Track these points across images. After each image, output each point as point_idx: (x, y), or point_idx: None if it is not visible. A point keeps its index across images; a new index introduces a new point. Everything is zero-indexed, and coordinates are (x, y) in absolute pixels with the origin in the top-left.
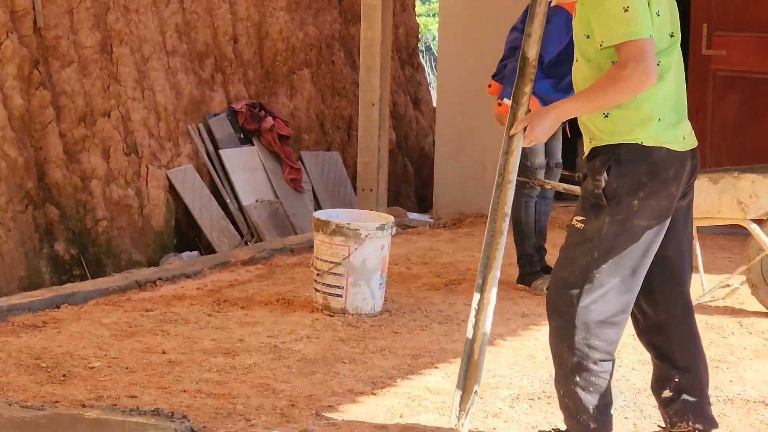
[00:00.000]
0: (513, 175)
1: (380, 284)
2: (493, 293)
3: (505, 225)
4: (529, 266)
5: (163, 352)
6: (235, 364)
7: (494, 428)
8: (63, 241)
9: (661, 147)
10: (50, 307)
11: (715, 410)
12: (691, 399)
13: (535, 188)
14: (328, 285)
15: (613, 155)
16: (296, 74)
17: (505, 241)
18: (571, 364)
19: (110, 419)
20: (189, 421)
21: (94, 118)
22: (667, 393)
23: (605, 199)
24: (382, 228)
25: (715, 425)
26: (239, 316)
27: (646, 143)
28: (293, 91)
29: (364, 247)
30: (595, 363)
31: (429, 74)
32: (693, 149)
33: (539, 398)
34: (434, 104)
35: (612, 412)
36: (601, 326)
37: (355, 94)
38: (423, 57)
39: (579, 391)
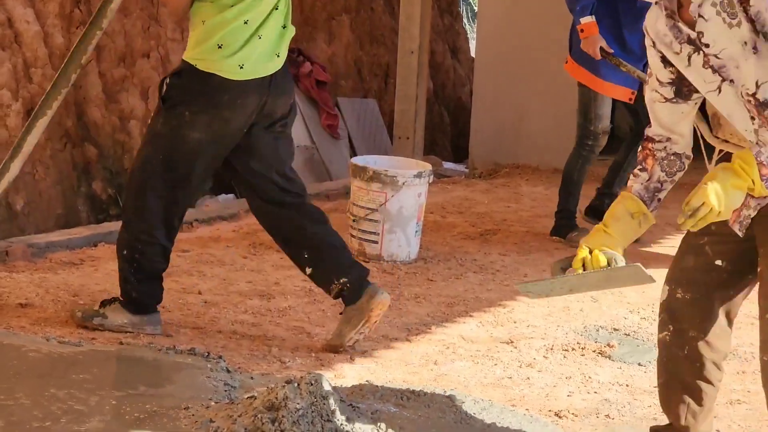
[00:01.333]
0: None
1: (416, 232)
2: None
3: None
4: (567, 220)
5: (199, 293)
6: (270, 307)
7: (528, 378)
8: (100, 181)
9: (214, 74)
10: (88, 245)
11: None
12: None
13: (594, 152)
14: (364, 231)
15: (181, 67)
16: (335, 20)
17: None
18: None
19: (146, 357)
20: (224, 361)
21: (134, 58)
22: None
23: (163, 102)
24: (419, 176)
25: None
26: (275, 260)
27: (199, 66)
28: (332, 36)
29: (401, 194)
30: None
31: (466, 24)
32: (263, 79)
33: (573, 349)
34: (472, 54)
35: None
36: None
37: (393, 41)
38: (461, 6)
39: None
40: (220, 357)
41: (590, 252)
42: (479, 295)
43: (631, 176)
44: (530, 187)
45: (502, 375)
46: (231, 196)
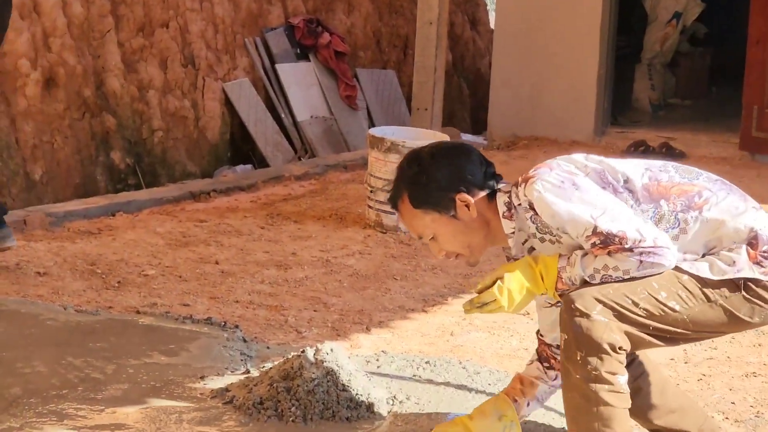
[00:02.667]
0: None
1: None
2: None
3: None
4: None
5: (216, 263)
6: (287, 277)
7: (526, 349)
8: (119, 150)
9: None
10: (105, 215)
11: None
12: None
13: None
14: (382, 202)
15: None
16: None
17: None
18: None
19: (163, 326)
20: (241, 330)
21: (153, 28)
22: None
23: None
24: None
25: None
26: (292, 230)
27: None
28: (351, 7)
29: None
30: None
31: None
32: None
33: None
34: (492, 26)
35: None
36: None
37: (412, 12)
38: None
39: None
40: (237, 326)
41: None
42: (496, 266)
43: (536, 369)
44: (548, 158)
45: (518, 346)
46: (249, 166)
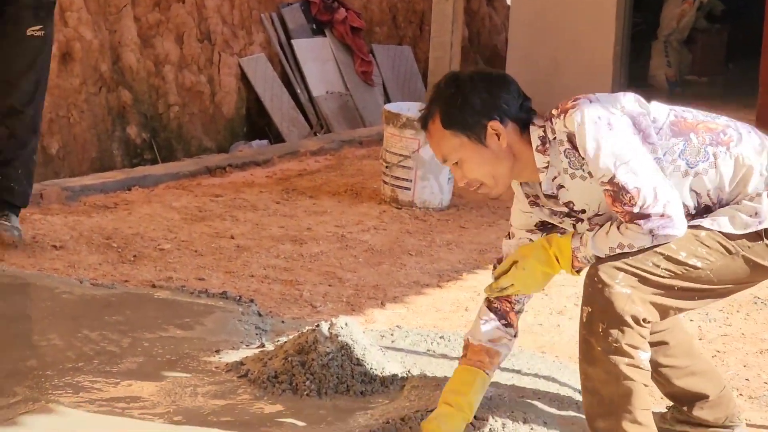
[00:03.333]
0: None
1: (449, 179)
2: None
3: None
4: None
5: (232, 237)
6: (302, 252)
7: (558, 325)
8: (135, 125)
9: None
10: (121, 189)
11: None
12: None
13: None
14: (397, 178)
15: None
16: None
17: None
18: None
19: (179, 300)
20: (256, 305)
21: (169, 3)
22: None
23: None
24: None
25: None
26: (307, 205)
27: None
28: None
29: None
30: None
31: None
32: None
33: None
34: (508, 2)
35: None
36: None
37: None
38: None
39: None
40: (252, 301)
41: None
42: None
43: (498, 330)
44: None
45: (532, 322)
46: (265, 141)
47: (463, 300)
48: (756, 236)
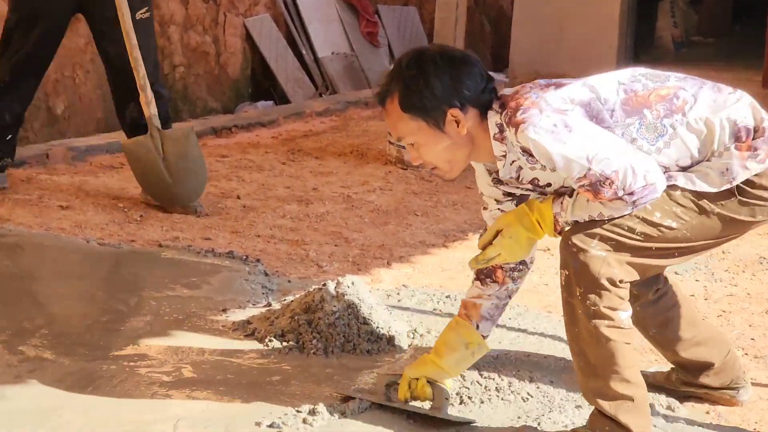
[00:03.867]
0: None
1: None
2: None
3: None
4: None
5: (238, 198)
6: (308, 212)
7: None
8: None
9: None
10: None
11: None
12: None
13: None
14: None
15: None
16: None
17: None
18: None
19: (185, 260)
20: (262, 264)
21: None
22: None
23: None
24: None
25: None
26: (313, 166)
27: None
28: None
29: None
30: None
31: None
32: None
33: None
34: None
35: None
36: None
37: None
38: None
39: None
40: (258, 260)
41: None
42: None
43: (476, 288)
44: None
45: (538, 282)
46: (270, 102)
47: (468, 259)
48: (729, 193)
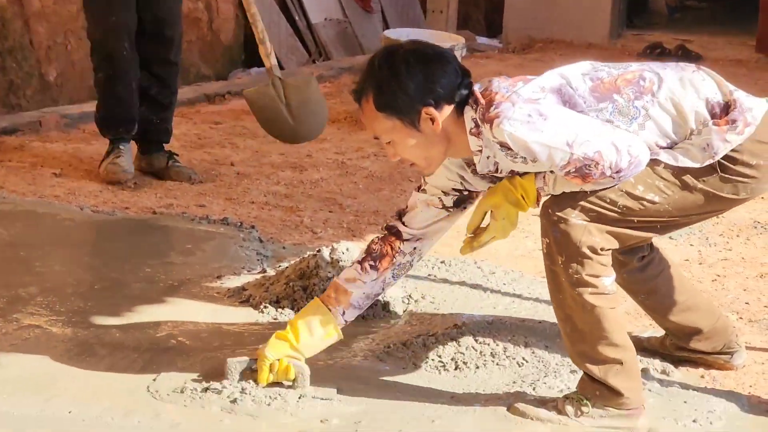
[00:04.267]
0: None
1: None
2: None
3: None
4: None
5: (232, 164)
6: (302, 179)
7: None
8: None
9: None
10: None
11: None
12: None
13: None
14: None
15: None
16: None
17: None
18: None
19: (180, 227)
20: (257, 231)
21: None
22: None
23: None
24: (452, 49)
25: None
26: None
27: None
28: None
29: None
30: None
31: None
32: None
33: None
34: None
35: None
36: None
37: None
38: None
39: None
40: (253, 227)
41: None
42: None
43: (353, 271)
44: (564, 62)
45: (533, 247)
46: (263, 69)
47: (463, 226)
48: (711, 169)
